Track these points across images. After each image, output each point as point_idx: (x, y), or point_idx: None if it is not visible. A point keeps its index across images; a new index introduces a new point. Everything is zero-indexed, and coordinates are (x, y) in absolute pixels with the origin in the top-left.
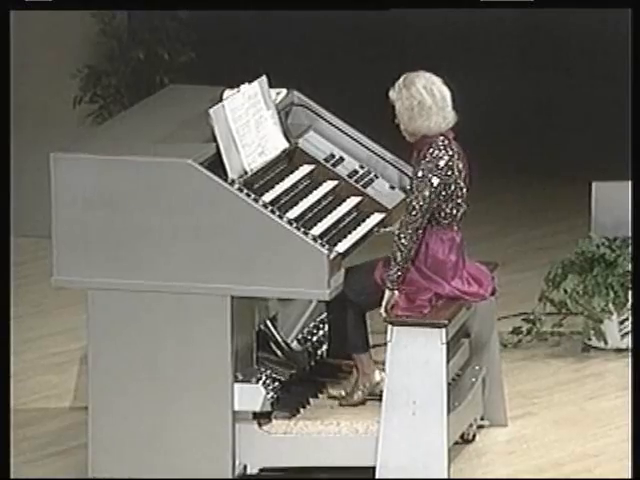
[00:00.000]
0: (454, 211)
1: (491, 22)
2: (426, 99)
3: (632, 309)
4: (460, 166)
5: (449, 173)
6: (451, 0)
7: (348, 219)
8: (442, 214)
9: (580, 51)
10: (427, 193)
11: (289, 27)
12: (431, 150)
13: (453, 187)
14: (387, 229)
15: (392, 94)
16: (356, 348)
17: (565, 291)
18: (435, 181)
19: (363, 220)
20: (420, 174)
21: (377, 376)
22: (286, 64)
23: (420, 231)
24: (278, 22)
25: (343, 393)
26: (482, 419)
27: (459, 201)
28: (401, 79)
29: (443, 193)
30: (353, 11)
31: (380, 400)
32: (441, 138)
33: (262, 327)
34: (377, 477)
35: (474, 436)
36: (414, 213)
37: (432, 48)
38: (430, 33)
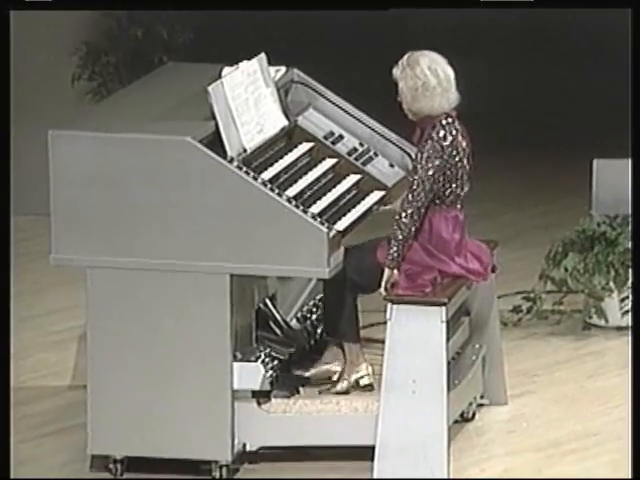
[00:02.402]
0: (458, 190)
1: (491, 22)
2: (430, 80)
3: (632, 287)
4: (464, 145)
5: (453, 153)
6: (451, 0)
7: (347, 197)
8: (447, 193)
9: (580, 51)
10: (431, 173)
11: (289, 28)
12: (436, 130)
13: (458, 166)
14: (387, 207)
15: (396, 72)
16: (347, 336)
17: (566, 269)
18: (439, 161)
19: (363, 198)
20: (425, 154)
21: (364, 369)
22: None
23: (422, 210)
24: (278, 23)
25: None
26: (482, 398)
27: (464, 180)
28: (405, 57)
29: (447, 173)
30: (353, 11)
31: (364, 391)
32: (444, 117)
33: (261, 306)
34: (376, 455)
35: (474, 415)
36: (416, 192)
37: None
38: (430, 33)
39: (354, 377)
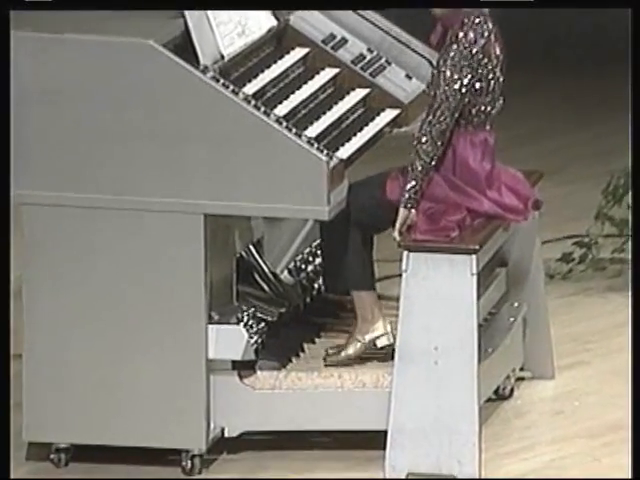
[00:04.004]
0: (489, 108)
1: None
2: None
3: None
4: (497, 51)
5: (485, 61)
6: (451, 0)
7: (353, 117)
8: (474, 111)
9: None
10: (457, 87)
11: None
12: (464, 31)
13: (489, 78)
14: (402, 129)
15: None
16: (356, 283)
17: (628, 206)
18: (468, 72)
19: (372, 118)
20: (450, 62)
21: (381, 327)
22: None
23: (447, 134)
24: None
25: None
26: (522, 370)
27: (496, 95)
28: None
29: (477, 86)
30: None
31: (383, 358)
32: (476, 14)
33: (244, 254)
34: (388, 443)
35: (512, 391)
36: (440, 111)
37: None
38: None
39: (369, 337)
